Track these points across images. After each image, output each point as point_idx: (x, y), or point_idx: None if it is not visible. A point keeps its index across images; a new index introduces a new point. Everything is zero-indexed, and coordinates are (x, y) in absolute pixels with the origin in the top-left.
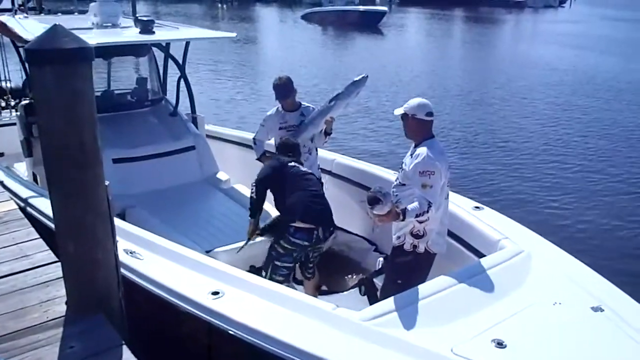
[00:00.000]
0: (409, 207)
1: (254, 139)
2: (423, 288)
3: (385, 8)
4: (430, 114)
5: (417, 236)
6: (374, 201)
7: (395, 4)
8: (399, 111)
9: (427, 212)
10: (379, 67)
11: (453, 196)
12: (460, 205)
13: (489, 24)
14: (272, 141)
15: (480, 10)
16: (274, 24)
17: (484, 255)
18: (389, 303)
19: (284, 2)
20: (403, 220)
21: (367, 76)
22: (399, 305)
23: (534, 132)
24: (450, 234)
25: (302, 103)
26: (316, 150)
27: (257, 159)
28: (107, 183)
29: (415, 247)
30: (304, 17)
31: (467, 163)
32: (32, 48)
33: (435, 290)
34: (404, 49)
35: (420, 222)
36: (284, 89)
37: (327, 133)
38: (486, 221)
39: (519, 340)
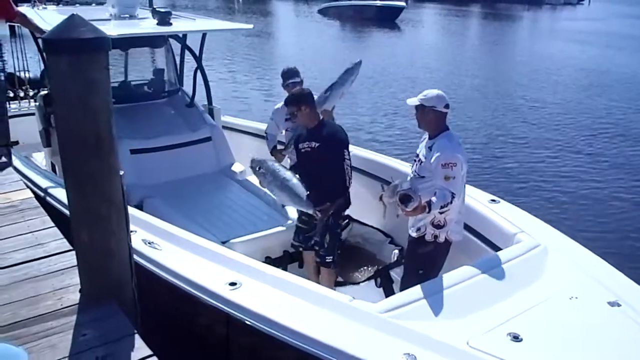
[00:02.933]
0: (434, 199)
1: (265, 132)
2: (439, 281)
3: (403, 3)
4: (448, 105)
5: (438, 226)
6: (405, 199)
7: None
8: (413, 101)
9: (451, 202)
10: (397, 63)
11: (469, 189)
12: (476, 198)
13: (507, 20)
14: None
15: (497, 7)
16: (290, 18)
17: (500, 249)
18: (405, 295)
19: None
20: (429, 212)
21: (360, 62)
22: (415, 298)
23: (550, 127)
24: (467, 226)
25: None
26: None
27: (270, 153)
28: (121, 173)
29: (436, 237)
30: (320, 12)
31: (483, 156)
32: (49, 38)
33: (452, 283)
34: (421, 44)
35: (442, 213)
36: (288, 75)
37: None
38: (502, 214)
39: (535, 334)
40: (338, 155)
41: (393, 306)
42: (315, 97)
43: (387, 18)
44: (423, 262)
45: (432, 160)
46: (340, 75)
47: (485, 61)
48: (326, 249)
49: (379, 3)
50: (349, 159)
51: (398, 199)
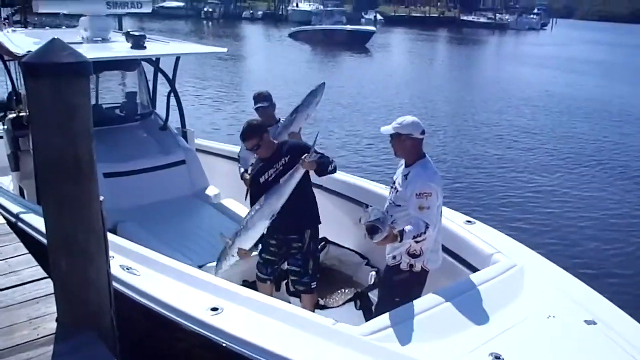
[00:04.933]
0: (407, 229)
1: (238, 155)
2: (420, 303)
3: (374, 28)
4: (424, 131)
5: (414, 256)
6: (373, 231)
7: (380, 24)
8: (387, 130)
9: (425, 233)
10: (368, 87)
11: (445, 211)
12: (452, 220)
13: (473, 45)
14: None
15: (464, 32)
16: (261, 41)
17: (478, 270)
18: (387, 318)
19: (271, 20)
20: (400, 242)
21: (324, 84)
22: (398, 321)
23: (521, 149)
24: (444, 248)
25: (282, 119)
26: None
27: (241, 177)
28: (101, 199)
29: (412, 266)
30: (291, 36)
31: (457, 178)
32: (30, 62)
33: (432, 305)
34: (392, 69)
35: (417, 242)
36: (263, 99)
37: None
38: (479, 235)
39: (516, 353)
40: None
41: (376, 329)
42: (282, 120)
43: (358, 42)
44: (399, 291)
45: (407, 190)
46: (305, 98)
47: (454, 85)
48: (310, 275)
49: (349, 28)
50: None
51: (366, 230)
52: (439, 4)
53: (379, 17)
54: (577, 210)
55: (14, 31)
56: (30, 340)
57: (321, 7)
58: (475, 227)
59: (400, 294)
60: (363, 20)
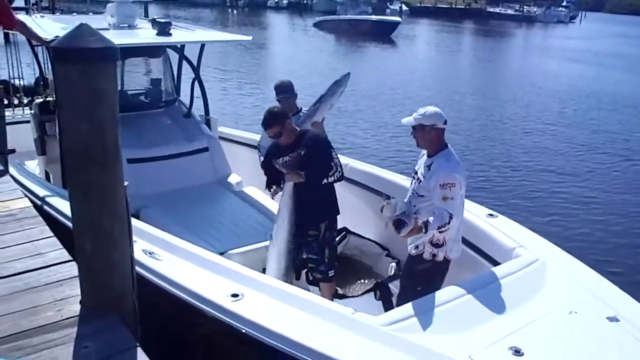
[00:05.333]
0: (431, 220)
1: (258, 144)
2: (440, 295)
3: (399, 19)
4: (446, 121)
5: (436, 245)
6: (399, 225)
7: (405, 14)
8: (409, 121)
9: (449, 223)
10: (392, 77)
11: (467, 203)
12: (474, 213)
13: (499, 37)
14: None
15: (490, 24)
16: (285, 30)
17: (499, 263)
18: (407, 308)
19: (295, 9)
20: (425, 233)
21: (349, 74)
22: (417, 311)
23: (546, 142)
24: (465, 241)
25: (304, 108)
26: None
27: (261, 165)
28: (125, 184)
29: (434, 255)
30: (316, 25)
31: (480, 171)
32: (59, 46)
33: (453, 297)
34: (416, 59)
35: (441, 232)
36: (284, 89)
37: None
38: (500, 229)
39: (536, 348)
40: (327, 156)
41: (395, 319)
42: (304, 109)
43: (382, 33)
44: (421, 280)
45: (430, 180)
46: (329, 87)
47: (479, 77)
48: (326, 263)
49: (374, 18)
50: (337, 158)
51: (392, 224)
52: None
53: (404, 7)
54: (602, 206)
55: (42, 17)
56: (54, 321)
57: None
58: (497, 220)
59: (423, 283)
60: (388, 11)
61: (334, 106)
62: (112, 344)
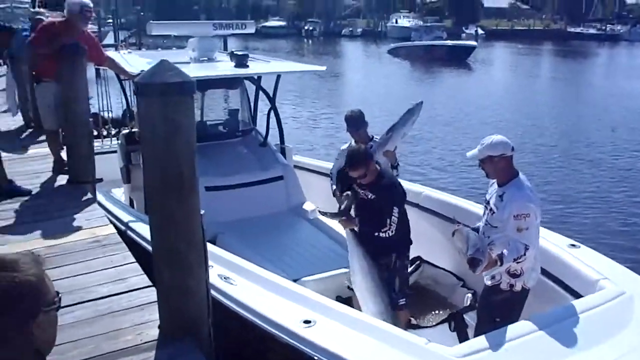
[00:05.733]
0: (505, 252)
1: (330, 172)
2: (518, 327)
3: (474, 43)
4: (513, 147)
5: (514, 275)
6: (474, 263)
7: (481, 38)
8: (475, 154)
9: (525, 255)
10: (467, 103)
11: (547, 233)
12: (555, 243)
13: (581, 58)
14: None
15: (571, 44)
16: (360, 58)
17: (581, 296)
18: (482, 340)
19: (369, 36)
20: (500, 265)
21: (422, 102)
22: (494, 343)
23: (631, 170)
24: (545, 272)
25: (375, 137)
26: None
27: (333, 194)
28: (202, 212)
29: (512, 286)
30: (390, 52)
31: (561, 200)
32: (142, 82)
33: (531, 330)
34: (493, 84)
35: (518, 263)
36: (354, 121)
37: (392, 165)
38: (583, 260)
39: None
40: (388, 211)
41: (471, 351)
42: (376, 137)
43: (458, 58)
44: (499, 311)
45: (504, 211)
46: (402, 116)
47: (560, 100)
48: (397, 292)
49: (450, 43)
50: (396, 217)
51: (467, 262)
52: (543, 16)
53: (480, 31)
54: None
55: (129, 52)
56: (133, 345)
57: (420, 23)
58: (579, 250)
59: (501, 314)
60: (463, 35)
61: (406, 135)
62: None
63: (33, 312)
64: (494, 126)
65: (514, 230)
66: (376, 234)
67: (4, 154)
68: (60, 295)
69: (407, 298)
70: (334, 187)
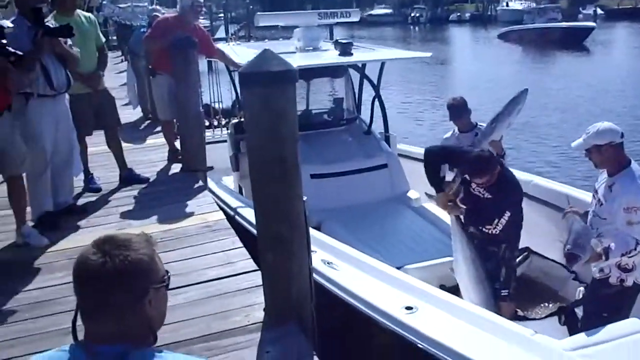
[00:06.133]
0: (612, 246)
1: None
2: (633, 322)
3: (593, 24)
4: (622, 134)
5: (625, 270)
6: (571, 259)
7: (601, 18)
8: (581, 144)
9: (635, 249)
10: (584, 88)
11: None
12: None
13: None
14: None
15: None
16: (468, 44)
17: None
18: (595, 334)
19: (478, 21)
20: (606, 260)
21: (527, 90)
22: (607, 338)
23: None
24: None
25: (479, 124)
26: None
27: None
28: (304, 198)
29: (622, 280)
30: (500, 36)
31: None
32: (245, 72)
33: None
34: (612, 67)
35: (630, 257)
36: (456, 109)
37: (498, 154)
38: None
39: None
40: (499, 211)
41: (581, 344)
42: (479, 124)
43: (574, 40)
44: (607, 306)
45: (613, 203)
46: (506, 105)
47: None
48: (501, 282)
49: (564, 25)
50: (506, 220)
51: (564, 257)
52: None
53: (599, 11)
54: None
55: (238, 44)
56: (241, 325)
57: (533, 4)
58: None
59: (608, 310)
60: (580, 16)
61: (511, 124)
62: (291, 351)
63: (145, 290)
64: (615, 113)
65: (624, 224)
66: (480, 227)
67: (124, 144)
68: (169, 274)
69: (512, 290)
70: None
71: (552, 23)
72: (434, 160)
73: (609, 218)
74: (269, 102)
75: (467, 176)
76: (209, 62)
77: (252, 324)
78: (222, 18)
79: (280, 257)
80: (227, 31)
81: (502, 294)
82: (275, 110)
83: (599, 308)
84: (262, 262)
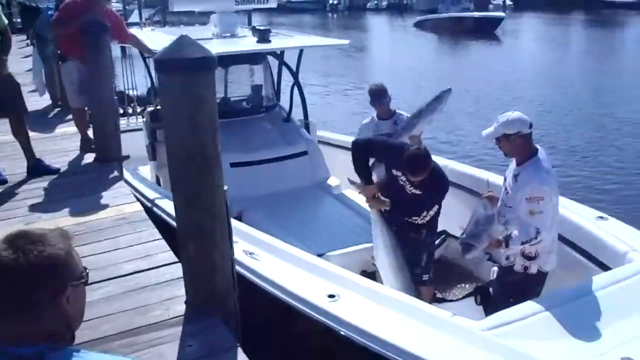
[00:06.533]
0: (514, 235)
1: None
2: (546, 300)
3: (503, 14)
4: (531, 124)
5: (528, 257)
6: (466, 248)
7: (509, 8)
8: (491, 133)
9: (536, 238)
10: (496, 76)
11: (575, 205)
12: (582, 215)
13: (615, 28)
14: None
15: (603, 13)
16: (385, 31)
17: (610, 268)
18: (509, 313)
19: (395, 9)
20: (506, 247)
21: (450, 89)
22: (520, 316)
23: None
24: (573, 245)
25: (398, 111)
26: None
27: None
28: (225, 188)
29: (526, 268)
30: (416, 25)
31: (591, 172)
32: (161, 58)
33: (559, 302)
34: (522, 56)
35: (532, 245)
36: (376, 95)
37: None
38: (611, 232)
39: None
40: (427, 205)
41: (497, 324)
42: (398, 112)
43: (486, 29)
44: (512, 292)
45: (517, 193)
46: (430, 102)
47: (593, 73)
48: (422, 267)
49: (477, 14)
50: (434, 212)
51: (459, 244)
52: None
53: (508, 1)
54: None
55: (152, 30)
56: (162, 320)
57: None
58: (608, 223)
59: (514, 295)
60: (491, 6)
61: (433, 122)
62: (214, 344)
63: (62, 286)
64: (525, 100)
65: (526, 213)
66: (406, 219)
67: (32, 133)
68: (87, 270)
69: (432, 274)
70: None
71: (465, 12)
72: (362, 152)
73: (514, 206)
74: (188, 90)
75: (394, 170)
76: (122, 48)
77: (173, 317)
78: (136, 2)
79: (201, 249)
80: (140, 16)
81: (423, 278)
82: (194, 97)
83: (505, 293)
84: (182, 254)
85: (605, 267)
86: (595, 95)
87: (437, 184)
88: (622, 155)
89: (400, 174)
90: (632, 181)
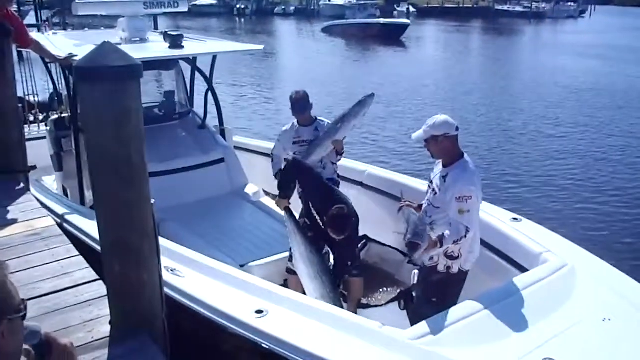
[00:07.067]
0: (447, 234)
1: (271, 153)
2: (469, 305)
3: (408, 21)
4: (457, 127)
5: (451, 257)
6: (413, 247)
7: (413, 15)
8: (421, 135)
9: (465, 236)
10: (403, 81)
11: (489, 207)
12: (497, 217)
13: (509, 35)
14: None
15: (499, 22)
16: (294, 37)
17: (526, 269)
18: (435, 321)
19: (302, 15)
20: (441, 247)
21: (373, 95)
22: (446, 324)
23: (565, 141)
24: (490, 247)
25: (318, 118)
26: (332, 164)
27: (274, 176)
28: (153, 201)
29: (449, 268)
30: (324, 30)
31: (500, 174)
32: (83, 66)
33: (481, 307)
34: (427, 62)
35: (456, 245)
36: (301, 104)
37: (338, 152)
38: (526, 233)
39: (571, 358)
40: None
41: (424, 332)
42: (320, 119)
43: (392, 36)
44: (435, 291)
45: (446, 193)
46: (353, 107)
47: (492, 77)
48: (351, 265)
49: (382, 21)
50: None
51: (405, 246)
52: None
53: (412, 8)
54: (629, 205)
55: (54, 33)
56: (85, 342)
57: (353, 1)
58: (521, 224)
59: (437, 295)
60: (395, 13)
61: (356, 127)
62: None
63: None
64: (431, 105)
65: (456, 212)
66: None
67: None
68: (25, 302)
69: (359, 270)
70: (276, 168)
71: (371, 19)
72: (296, 171)
73: (442, 207)
74: (114, 100)
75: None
76: (19, 52)
77: (96, 340)
78: (32, 2)
79: (128, 266)
80: (38, 17)
81: (354, 272)
82: (120, 107)
83: (428, 293)
84: (107, 272)
85: (521, 268)
86: (496, 97)
87: (349, 225)
88: (531, 158)
89: (320, 220)
90: (541, 181)
